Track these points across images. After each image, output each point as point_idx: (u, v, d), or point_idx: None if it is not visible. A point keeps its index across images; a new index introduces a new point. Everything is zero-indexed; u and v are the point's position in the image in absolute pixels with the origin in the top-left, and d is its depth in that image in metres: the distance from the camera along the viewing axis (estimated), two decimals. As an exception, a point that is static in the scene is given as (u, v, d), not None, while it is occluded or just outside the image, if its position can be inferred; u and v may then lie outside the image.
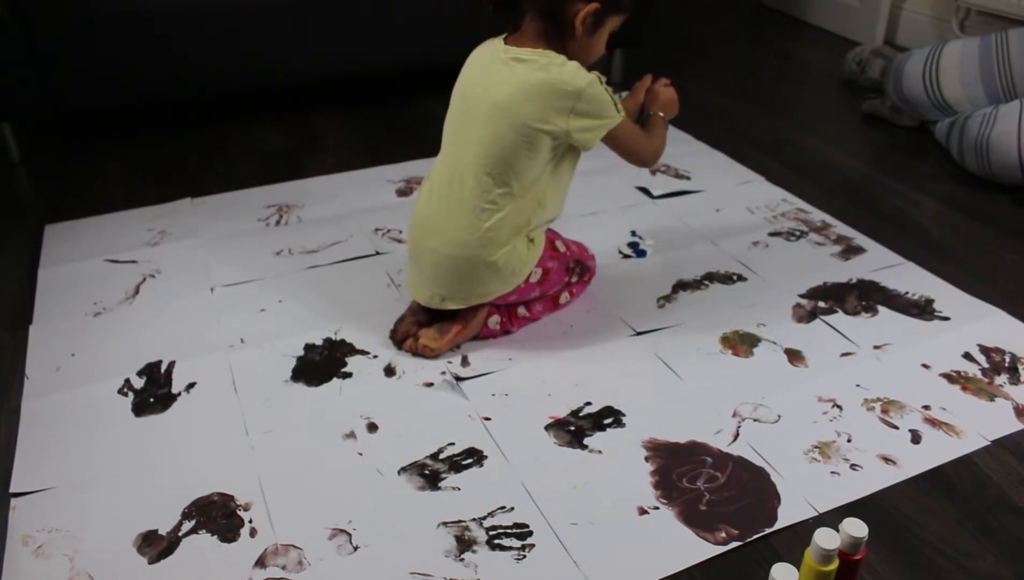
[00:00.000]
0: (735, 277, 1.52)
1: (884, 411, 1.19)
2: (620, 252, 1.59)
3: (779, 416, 1.18)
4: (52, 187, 1.87)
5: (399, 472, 1.09)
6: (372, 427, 1.16)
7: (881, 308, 1.42)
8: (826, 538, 0.83)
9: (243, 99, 2.30)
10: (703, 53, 2.79)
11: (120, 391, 1.24)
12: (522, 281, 1.29)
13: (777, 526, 1.01)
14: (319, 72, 2.13)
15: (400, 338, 1.32)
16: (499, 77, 1.19)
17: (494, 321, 1.33)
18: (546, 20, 1.18)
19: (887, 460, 1.11)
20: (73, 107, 2.05)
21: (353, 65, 2.14)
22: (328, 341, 1.34)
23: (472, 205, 1.22)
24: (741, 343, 1.34)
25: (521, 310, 1.36)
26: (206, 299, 1.45)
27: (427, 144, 1.27)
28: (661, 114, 1.37)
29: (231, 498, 1.05)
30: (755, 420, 1.18)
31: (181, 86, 2.02)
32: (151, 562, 0.96)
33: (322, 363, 1.29)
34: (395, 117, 2.23)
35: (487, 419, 1.18)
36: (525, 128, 1.17)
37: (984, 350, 1.32)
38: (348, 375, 1.27)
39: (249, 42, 2.00)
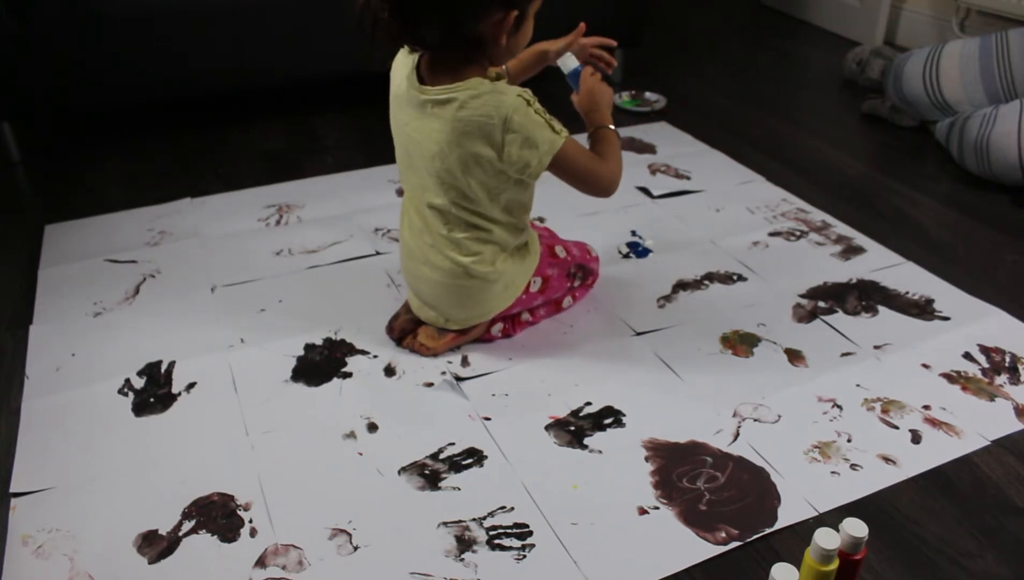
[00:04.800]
0: (735, 277, 1.51)
1: (884, 411, 1.19)
2: (620, 252, 1.59)
3: (779, 416, 1.18)
4: (52, 187, 1.87)
5: (399, 472, 1.09)
6: (372, 427, 1.16)
7: (881, 308, 1.42)
8: (826, 538, 0.83)
9: (243, 99, 2.30)
10: (703, 53, 2.80)
11: (120, 391, 1.24)
12: (521, 293, 1.29)
13: (777, 526, 1.01)
14: (319, 72, 2.13)
15: (398, 336, 1.32)
16: (427, 129, 1.13)
17: (497, 329, 1.32)
18: (459, 49, 1.09)
19: (887, 460, 1.11)
20: (73, 107, 2.06)
21: (353, 65, 2.14)
22: (328, 341, 1.34)
23: (450, 238, 1.21)
24: (741, 343, 1.34)
25: (524, 315, 1.35)
26: (206, 299, 1.45)
27: (427, 144, 1.27)
28: (612, 126, 1.24)
29: (231, 498, 1.05)
30: (755, 420, 1.18)
31: (181, 86, 2.02)
32: (151, 562, 0.96)
33: (322, 363, 1.29)
34: (395, 117, 2.22)
35: (487, 419, 1.18)
36: (465, 167, 1.13)
37: (984, 350, 1.32)
38: (348, 375, 1.27)
39: (249, 42, 2.00)
